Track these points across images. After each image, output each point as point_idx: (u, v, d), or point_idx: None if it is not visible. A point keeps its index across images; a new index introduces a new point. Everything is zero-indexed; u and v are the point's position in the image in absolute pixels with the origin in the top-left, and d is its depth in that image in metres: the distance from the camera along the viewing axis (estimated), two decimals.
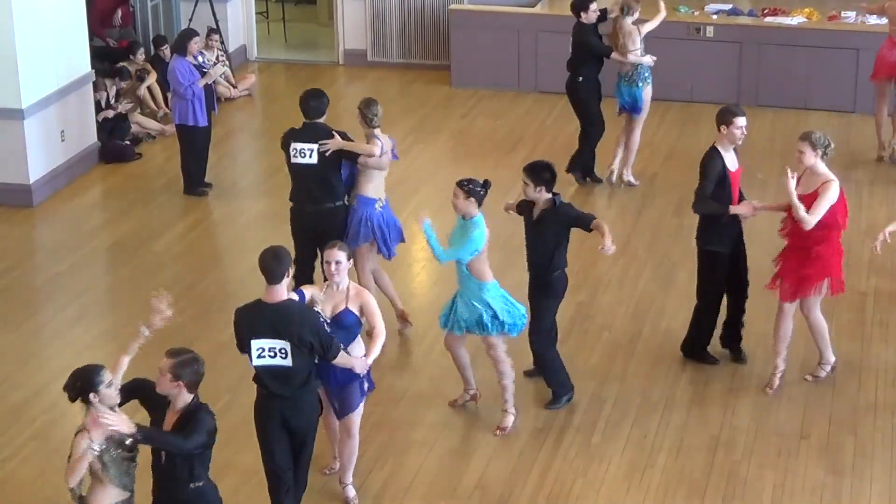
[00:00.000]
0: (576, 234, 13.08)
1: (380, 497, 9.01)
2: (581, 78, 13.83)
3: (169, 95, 14.74)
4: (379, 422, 9.80)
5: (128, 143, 15.32)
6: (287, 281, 8.09)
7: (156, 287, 11.99)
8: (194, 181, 14.11)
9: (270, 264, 8.01)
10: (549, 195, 9.65)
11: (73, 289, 12.06)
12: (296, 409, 8.26)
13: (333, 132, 10.69)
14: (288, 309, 8.08)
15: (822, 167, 9.85)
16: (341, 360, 8.25)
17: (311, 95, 10.87)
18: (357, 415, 8.71)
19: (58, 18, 14.06)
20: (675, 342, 10.86)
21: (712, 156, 10.18)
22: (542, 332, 9.97)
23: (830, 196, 9.72)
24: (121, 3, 17.44)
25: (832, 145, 9.88)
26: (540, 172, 9.62)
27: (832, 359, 10.38)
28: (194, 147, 14.02)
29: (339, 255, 8.48)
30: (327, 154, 10.62)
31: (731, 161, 10.21)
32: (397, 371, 10.65)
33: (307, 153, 10.64)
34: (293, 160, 10.74)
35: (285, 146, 10.83)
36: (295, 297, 8.33)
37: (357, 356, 8.44)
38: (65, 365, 10.70)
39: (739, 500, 8.97)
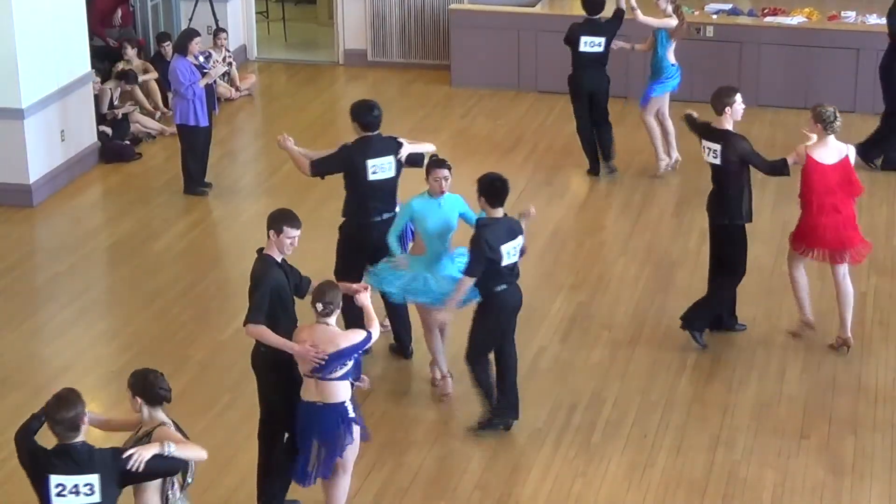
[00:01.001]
0: (574, 235, 13.12)
1: (380, 497, 9.01)
2: None
3: (169, 95, 14.74)
4: (379, 422, 9.80)
5: (128, 143, 15.32)
6: (273, 239, 8.40)
7: (156, 287, 12.05)
8: (194, 181, 14.11)
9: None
10: (495, 211, 9.34)
11: (73, 289, 12.06)
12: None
13: (397, 139, 10.35)
14: (257, 260, 8.50)
15: (825, 137, 10.32)
16: (256, 333, 8.30)
17: (371, 105, 10.27)
18: (351, 453, 8.42)
19: (58, 18, 14.05)
20: (676, 342, 10.86)
21: (738, 137, 10.46)
22: (472, 354, 9.61)
23: (800, 153, 10.37)
24: (121, 3, 17.43)
25: (837, 121, 10.25)
26: (486, 184, 9.33)
27: (810, 318, 10.85)
28: (195, 147, 14.01)
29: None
30: (402, 161, 10.26)
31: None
32: (397, 371, 10.64)
33: (386, 167, 10.18)
34: (372, 177, 10.17)
35: (358, 164, 10.14)
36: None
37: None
38: (65, 365, 10.74)
39: (739, 500, 8.97)
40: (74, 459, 6.72)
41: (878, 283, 11.89)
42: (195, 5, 17.48)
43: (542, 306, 11.50)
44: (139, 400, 7.22)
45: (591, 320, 11.34)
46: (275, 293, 8.36)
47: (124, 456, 6.78)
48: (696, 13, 16.80)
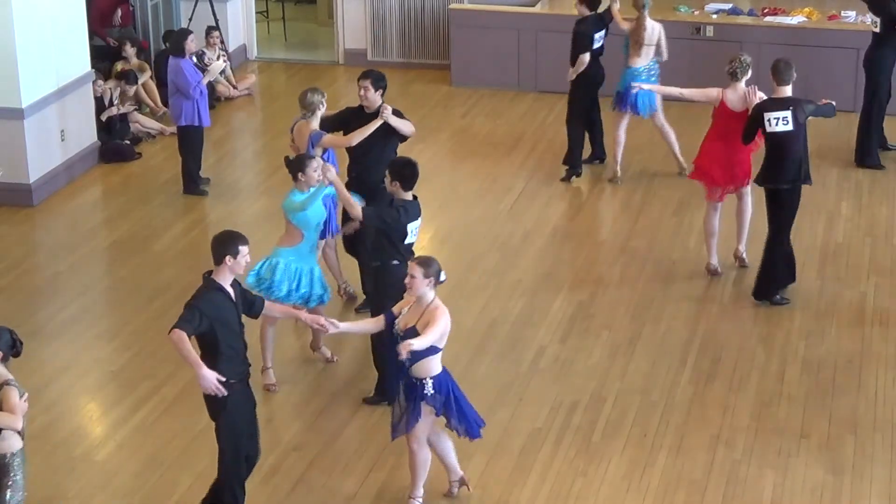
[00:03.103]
0: (574, 235, 13.12)
1: (380, 497, 9.00)
2: None
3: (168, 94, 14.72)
4: (379, 421, 9.80)
5: (128, 142, 15.32)
6: (229, 263, 8.05)
7: (156, 287, 12.05)
8: (195, 181, 14.11)
9: (211, 247, 8.19)
10: (406, 194, 9.56)
11: (73, 288, 12.05)
12: None
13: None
14: (202, 285, 8.17)
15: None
16: (176, 338, 7.98)
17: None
18: (420, 429, 8.59)
19: (58, 18, 14.05)
20: (676, 342, 10.87)
21: (804, 99, 11.28)
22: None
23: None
24: (121, 3, 17.43)
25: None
26: (398, 168, 9.60)
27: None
28: (195, 148, 14.02)
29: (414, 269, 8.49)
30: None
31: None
32: None
33: None
34: None
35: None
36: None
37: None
38: (65, 364, 10.74)
39: (739, 500, 8.97)
40: None
41: (878, 283, 11.88)
42: (195, 5, 17.47)
43: (542, 306, 11.51)
44: None
45: (591, 320, 11.33)
46: (217, 320, 8.08)
47: None
48: (697, 13, 16.80)
